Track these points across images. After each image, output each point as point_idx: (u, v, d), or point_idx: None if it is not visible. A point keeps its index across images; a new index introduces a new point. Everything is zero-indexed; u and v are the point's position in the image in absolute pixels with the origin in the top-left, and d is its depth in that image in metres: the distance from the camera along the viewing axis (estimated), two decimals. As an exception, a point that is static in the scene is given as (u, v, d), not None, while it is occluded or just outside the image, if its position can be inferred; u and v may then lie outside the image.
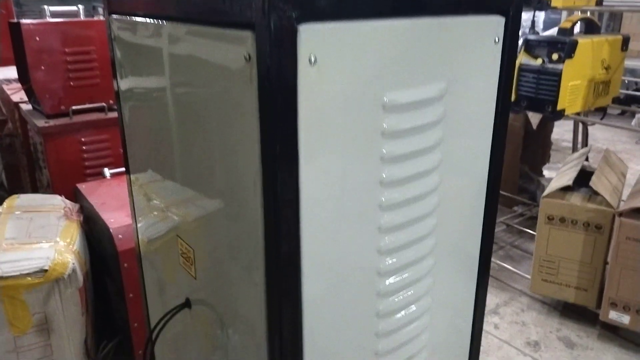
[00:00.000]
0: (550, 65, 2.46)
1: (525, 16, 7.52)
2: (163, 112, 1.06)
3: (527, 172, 3.67)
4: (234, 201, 0.88)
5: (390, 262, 0.94)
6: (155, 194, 1.24)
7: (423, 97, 0.88)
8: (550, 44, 2.45)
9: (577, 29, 2.68)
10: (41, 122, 2.32)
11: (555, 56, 2.42)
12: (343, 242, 0.87)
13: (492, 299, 2.60)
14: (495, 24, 0.95)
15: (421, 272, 1.00)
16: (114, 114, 1.79)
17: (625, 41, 2.72)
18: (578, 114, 2.84)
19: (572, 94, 2.49)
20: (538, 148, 3.73)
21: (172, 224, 1.13)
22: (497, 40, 0.97)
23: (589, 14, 2.89)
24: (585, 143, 3.38)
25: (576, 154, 2.92)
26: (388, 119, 0.84)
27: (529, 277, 2.52)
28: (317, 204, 0.80)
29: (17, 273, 1.62)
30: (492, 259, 2.84)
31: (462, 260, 1.13)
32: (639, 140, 5.41)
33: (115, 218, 1.90)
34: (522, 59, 2.55)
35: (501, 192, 3.47)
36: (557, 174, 2.63)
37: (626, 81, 5.16)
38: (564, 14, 5.95)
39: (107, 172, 2.31)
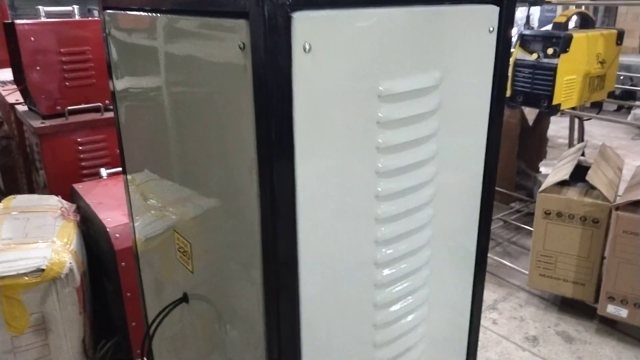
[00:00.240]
0: (545, 60, 2.46)
1: (520, 14, 7.55)
2: (158, 107, 1.05)
3: (523, 168, 3.68)
4: (230, 195, 0.88)
5: (387, 253, 0.94)
6: (152, 192, 1.24)
7: (418, 86, 0.88)
8: (546, 39, 2.46)
9: (572, 24, 2.69)
10: (37, 123, 2.32)
11: (550, 51, 2.42)
12: (340, 235, 0.86)
13: (490, 294, 2.60)
14: (489, 13, 0.95)
15: (418, 265, 1.00)
16: (110, 114, 1.79)
17: (620, 35, 2.73)
18: (574, 109, 2.85)
19: (567, 88, 2.50)
20: (534, 144, 3.74)
21: (169, 221, 1.13)
22: (491, 30, 0.97)
23: (583, 8, 2.90)
24: (581, 138, 3.39)
25: (572, 149, 2.93)
26: (384, 108, 0.84)
27: (526, 272, 2.52)
28: (314, 194, 0.80)
29: (14, 273, 1.62)
30: (490, 255, 2.85)
31: (459, 253, 1.13)
32: (635, 136, 5.43)
33: (112, 217, 1.90)
34: (518, 54, 2.55)
35: (498, 188, 3.48)
36: (553, 169, 2.64)
37: (621, 77, 5.18)
38: (559, 9, 5.96)
39: (103, 172, 2.31)
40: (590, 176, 2.34)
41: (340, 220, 0.86)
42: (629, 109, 5.70)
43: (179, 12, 0.88)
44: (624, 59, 4.61)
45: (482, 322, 2.35)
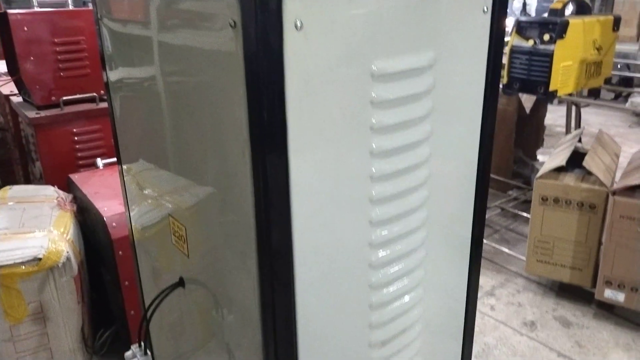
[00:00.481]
0: (541, 47, 2.45)
1: (518, 3, 7.52)
2: (152, 95, 1.05)
3: (521, 156, 3.68)
4: (224, 176, 0.88)
5: (381, 235, 0.93)
6: (147, 181, 1.24)
7: (412, 66, 0.88)
8: (542, 25, 2.45)
9: (568, 11, 2.68)
10: (32, 114, 2.31)
11: (546, 37, 2.41)
12: (335, 216, 0.86)
13: (488, 281, 2.61)
14: (483, -8, 0.95)
15: (413, 247, 1.00)
16: (105, 104, 1.79)
17: (617, 21, 2.72)
18: (571, 95, 2.84)
19: (564, 74, 2.49)
20: (532, 132, 3.73)
21: (165, 209, 1.13)
22: (485, 10, 0.96)
23: (580, -5, 2.89)
24: (578, 125, 3.38)
25: (569, 136, 2.93)
26: (377, 88, 0.83)
27: (524, 259, 2.53)
28: (307, 174, 0.79)
29: (11, 262, 1.62)
30: (488, 242, 2.86)
31: (454, 238, 1.13)
32: (632, 124, 5.43)
33: (109, 207, 1.90)
34: (514, 40, 2.55)
35: (496, 176, 3.48)
36: (550, 156, 2.64)
37: (619, 65, 5.16)
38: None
39: (99, 162, 2.31)
40: (587, 162, 2.34)
41: (334, 201, 0.85)
42: (627, 97, 5.69)
43: (170, -8, 0.88)
44: (621, 47, 4.60)
45: (480, 307, 2.36)
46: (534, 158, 3.77)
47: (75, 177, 2.18)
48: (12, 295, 1.63)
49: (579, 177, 2.35)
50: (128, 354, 1.11)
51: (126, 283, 1.87)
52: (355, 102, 0.82)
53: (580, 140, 2.86)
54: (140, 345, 1.12)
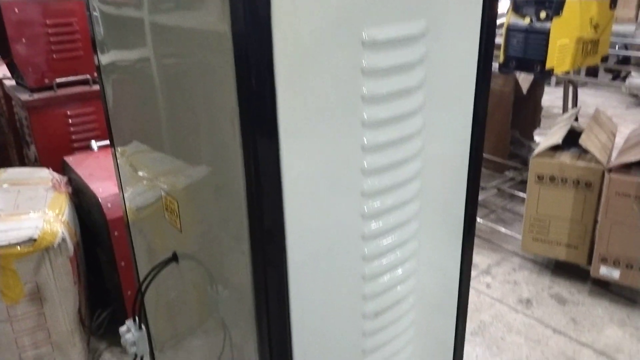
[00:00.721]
0: (538, 24, 2.43)
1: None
2: (143, 77, 1.04)
3: (518, 137, 3.68)
4: (215, 151, 0.87)
5: (374, 206, 0.93)
6: (140, 162, 1.24)
7: (403, 35, 0.86)
8: (538, 3, 2.42)
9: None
10: (25, 96, 2.29)
11: (543, 14, 2.39)
12: (326, 195, 0.86)
13: (484, 260, 2.62)
14: (475, -41, 0.93)
15: (405, 220, 1.00)
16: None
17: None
18: (568, 74, 2.83)
19: (560, 52, 2.48)
20: (528, 113, 3.72)
21: (158, 187, 1.12)
22: (477, -22, 0.95)
23: (576, -28, 2.85)
24: (575, 104, 3.37)
25: (566, 115, 2.92)
26: (367, 56, 0.82)
27: (520, 238, 2.54)
28: (298, 146, 0.79)
29: (6, 243, 1.62)
30: (484, 222, 2.86)
31: (447, 216, 1.13)
32: (630, 105, 5.42)
33: (104, 188, 1.90)
34: (510, 18, 2.52)
35: (492, 157, 3.48)
36: (547, 135, 2.63)
37: (617, 47, 5.13)
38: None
39: (94, 144, 2.30)
40: (583, 140, 2.34)
41: (327, 180, 0.85)
42: (624, 78, 5.67)
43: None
44: (620, 28, 4.56)
45: (476, 286, 2.38)
46: (531, 139, 3.77)
47: (69, 160, 2.18)
48: (8, 275, 1.63)
49: (575, 155, 2.35)
50: (123, 328, 1.12)
51: (122, 263, 1.87)
52: (346, 71, 0.82)
53: (576, 120, 2.86)
54: (135, 320, 1.13)
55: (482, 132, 1.10)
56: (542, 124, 4.04)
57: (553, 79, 5.87)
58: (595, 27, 2.66)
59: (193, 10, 0.80)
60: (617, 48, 5.09)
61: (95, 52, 1.23)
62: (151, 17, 0.93)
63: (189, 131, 0.94)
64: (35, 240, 1.64)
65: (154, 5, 0.91)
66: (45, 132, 2.31)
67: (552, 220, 2.39)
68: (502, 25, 2.67)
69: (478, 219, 2.90)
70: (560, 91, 4.24)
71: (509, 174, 3.46)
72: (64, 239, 1.71)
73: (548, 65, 2.45)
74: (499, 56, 2.67)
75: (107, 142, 2.21)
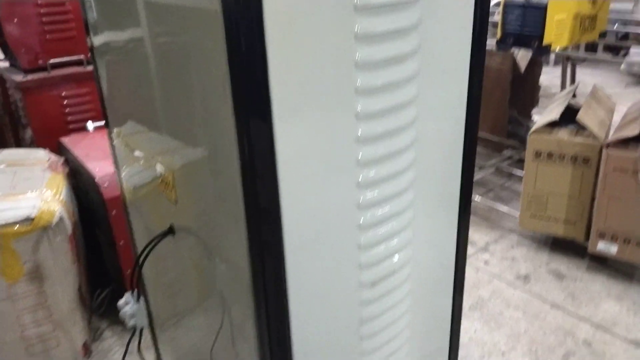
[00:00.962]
0: (535, 0, 2.41)
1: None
2: (137, 57, 1.04)
3: (515, 116, 3.66)
4: (208, 129, 0.87)
5: (370, 196, 0.93)
6: (135, 141, 1.24)
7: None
8: (536, -23, 2.40)
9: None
10: (19, 77, 2.27)
11: (540, -11, 2.37)
12: (322, 173, 0.86)
13: (482, 237, 2.63)
14: None
15: (401, 207, 0.99)
16: (93, 66, 1.77)
17: (612, -27, 2.66)
18: (566, 50, 2.81)
19: (558, 28, 2.46)
20: (526, 92, 3.70)
21: (154, 163, 1.12)
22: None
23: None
24: (573, 81, 3.36)
25: (563, 92, 2.91)
26: (360, 21, 0.82)
27: (518, 215, 2.54)
28: (290, 120, 0.78)
29: (4, 222, 1.62)
30: (482, 201, 2.86)
31: (442, 194, 1.12)
32: (629, 84, 5.40)
33: (100, 167, 1.89)
34: (508, -6, 2.50)
35: (490, 136, 3.47)
36: (545, 111, 2.62)
37: (615, 26, 5.10)
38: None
39: (90, 125, 2.28)
40: (581, 116, 2.33)
41: (321, 153, 0.85)
42: (624, 56, 5.63)
43: None
44: (618, 6, 4.52)
45: (474, 262, 2.39)
46: (529, 118, 3.75)
47: (65, 140, 2.17)
48: (7, 254, 1.63)
49: (573, 131, 2.34)
50: (121, 301, 1.12)
51: (121, 242, 1.88)
52: (338, 36, 0.80)
53: (574, 96, 2.84)
54: (133, 293, 1.13)
55: (478, 107, 1.09)
56: (540, 103, 4.02)
57: (551, 58, 5.84)
58: (593, 2, 2.64)
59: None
60: (615, 27, 5.06)
61: (88, 33, 1.23)
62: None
63: (183, 111, 0.94)
64: (32, 219, 1.64)
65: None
66: (40, 113, 2.30)
67: (549, 196, 2.39)
68: (499, 1, 2.64)
69: (476, 198, 2.91)
70: (558, 71, 4.21)
71: (507, 152, 3.45)
72: (61, 218, 1.71)
73: (546, 41, 2.43)
74: (497, 33, 2.65)
75: (103, 122, 2.22)
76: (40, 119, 2.30)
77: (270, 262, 0.86)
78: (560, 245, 2.53)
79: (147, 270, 1.38)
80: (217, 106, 0.81)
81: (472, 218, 1.23)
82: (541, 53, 2.71)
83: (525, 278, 2.31)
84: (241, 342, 1.05)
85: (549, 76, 5.04)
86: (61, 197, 1.79)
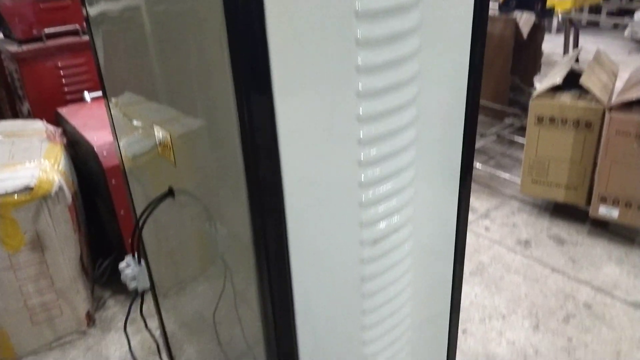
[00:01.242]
0: (539, -39, 2.36)
1: None
2: (134, 27, 1.01)
3: (518, 84, 3.62)
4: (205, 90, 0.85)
5: (372, 153, 0.91)
6: (134, 111, 1.22)
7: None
8: (539, -63, 2.34)
9: None
10: (14, 48, 2.24)
11: (543, -51, 2.32)
12: (322, 143, 0.84)
13: (483, 204, 2.63)
14: None
15: (402, 165, 0.98)
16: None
17: None
18: (569, 13, 2.76)
19: (561, -10, 2.41)
20: (529, 58, 3.66)
21: (152, 133, 1.11)
22: None
23: None
24: (575, 45, 3.31)
25: (566, 57, 2.87)
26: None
27: (519, 182, 2.53)
28: (289, 86, 0.77)
29: (3, 192, 1.61)
30: (483, 168, 2.85)
31: (444, 162, 1.11)
32: (632, 51, 5.33)
33: (99, 136, 1.88)
34: (510, -45, 2.44)
35: (492, 104, 3.44)
36: (547, 76, 2.59)
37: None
38: None
39: (87, 95, 2.26)
40: (584, 79, 2.30)
41: (321, 125, 0.83)
42: (628, 20, 5.55)
43: None
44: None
45: (475, 229, 2.39)
46: (531, 85, 3.72)
47: (63, 111, 2.15)
48: (7, 224, 1.63)
49: (575, 95, 2.32)
50: (122, 264, 1.12)
51: (121, 212, 1.88)
52: (339, 12, 0.78)
53: (577, 61, 2.80)
54: (134, 256, 1.13)
55: (479, 74, 1.06)
56: (542, 71, 3.98)
57: (554, 26, 5.75)
58: (598, -37, 2.58)
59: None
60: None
61: (83, 2, 1.20)
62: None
63: (182, 82, 0.92)
64: (32, 188, 1.63)
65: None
66: (36, 84, 2.28)
67: (551, 162, 2.38)
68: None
69: (477, 165, 2.89)
70: (560, 39, 4.15)
71: (509, 120, 3.43)
72: (61, 188, 1.70)
73: (549, 3, 2.39)
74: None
75: (100, 93, 2.19)
76: (36, 90, 2.28)
77: (272, 226, 0.85)
78: (561, 211, 2.52)
79: (149, 238, 1.39)
80: (216, 77, 0.79)
81: (473, 186, 1.21)
82: (544, 16, 2.66)
83: (526, 243, 2.32)
84: (243, 305, 1.05)
85: (552, 44, 4.97)
86: (60, 167, 1.78)
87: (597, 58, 2.68)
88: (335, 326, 1.04)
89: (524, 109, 3.50)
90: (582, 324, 1.86)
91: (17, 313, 1.74)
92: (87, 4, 1.20)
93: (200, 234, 1.13)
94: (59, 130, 2.06)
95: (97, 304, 2.02)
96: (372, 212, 0.95)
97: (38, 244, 1.70)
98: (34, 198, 1.64)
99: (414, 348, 1.23)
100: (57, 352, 1.82)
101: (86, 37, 2.34)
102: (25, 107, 2.42)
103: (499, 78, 3.45)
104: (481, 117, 3.38)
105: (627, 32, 5.40)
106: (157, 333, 1.59)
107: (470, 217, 2.47)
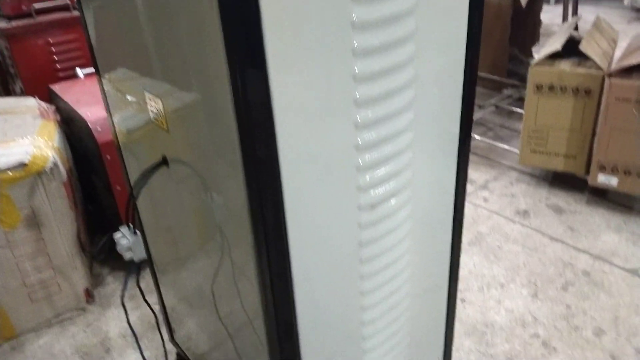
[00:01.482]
0: None
1: None
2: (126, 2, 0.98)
3: (516, 54, 3.58)
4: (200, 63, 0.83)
5: (369, 115, 0.89)
6: (126, 86, 1.20)
7: None
8: None
9: None
10: (3, 24, 2.20)
11: None
12: (319, 119, 0.82)
13: (482, 175, 2.61)
14: None
15: (399, 128, 0.96)
16: (79, 10, 1.71)
17: None
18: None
19: (560, -46, 2.36)
20: (527, 29, 3.61)
21: (147, 110, 1.08)
22: None
23: None
24: (575, 13, 3.26)
25: (565, 24, 2.82)
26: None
27: (517, 152, 2.51)
28: (286, 67, 0.74)
29: (-3, 169, 1.59)
30: (482, 139, 2.83)
31: (441, 132, 1.09)
32: (632, 20, 5.26)
33: (92, 112, 1.86)
34: None
35: (490, 75, 3.40)
36: (546, 44, 2.55)
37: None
38: None
39: (79, 72, 2.23)
40: (584, 46, 2.27)
41: (318, 102, 0.81)
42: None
43: None
44: None
45: (474, 200, 2.38)
46: (530, 55, 3.67)
47: (56, 88, 2.12)
48: (3, 201, 1.62)
49: (575, 62, 2.28)
50: (117, 235, 1.11)
51: (117, 187, 1.86)
52: None
53: (576, 29, 2.76)
54: (129, 226, 1.12)
55: (477, 44, 1.04)
56: (540, 42, 3.93)
57: (553, -4, 5.66)
58: None
59: None
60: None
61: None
62: None
63: (175, 57, 0.90)
64: (26, 165, 1.62)
65: None
66: (28, 61, 2.24)
67: (550, 130, 2.36)
68: None
69: (476, 137, 2.88)
70: (559, 9, 4.09)
71: (507, 91, 3.40)
72: (55, 164, 1.69)
73: (547, -31, 2.33)
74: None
75: (92, 69, 2.16)
76: (28, 67, 2.25)
77: (268, 193, 0.84)
78: (560, 181, 2.51)
79: (145, 212, 1.37)
80: (210, 51, 0.77)
81: (471, 157, 1.20)
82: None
83: (525, 213, 2.31)
84: (242, 277, 1.05)
85: (550, 15, 4.91)
86: (54, 144, 1.76)
87: (597, 24, 2.64)
88: (334, 292, 1.03)
89: (523, 80, 3.46)
90: (580, 291, 1.86)
91: (16, 291, 1.74)
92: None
93: (197, 206, 1.12)
94: (52, 107, 2.04)
95: (96, 280, 2.02)
96: (369, 176, 0.94)
97: (34, 221, 1.69)
98: (28, 174, 1.63)
99: (412, 316, 1.23)
100: (57, 328, 1.83)
101: (77, 13, 2.30)
102: (18, 85, 2.39)
103: (497, 49, 3.41)
104: (479, 89, 3.35)
105: (627, 1, 5.32)
106: (157, 308, 1.59)
107: (469, 188, 2.47)
